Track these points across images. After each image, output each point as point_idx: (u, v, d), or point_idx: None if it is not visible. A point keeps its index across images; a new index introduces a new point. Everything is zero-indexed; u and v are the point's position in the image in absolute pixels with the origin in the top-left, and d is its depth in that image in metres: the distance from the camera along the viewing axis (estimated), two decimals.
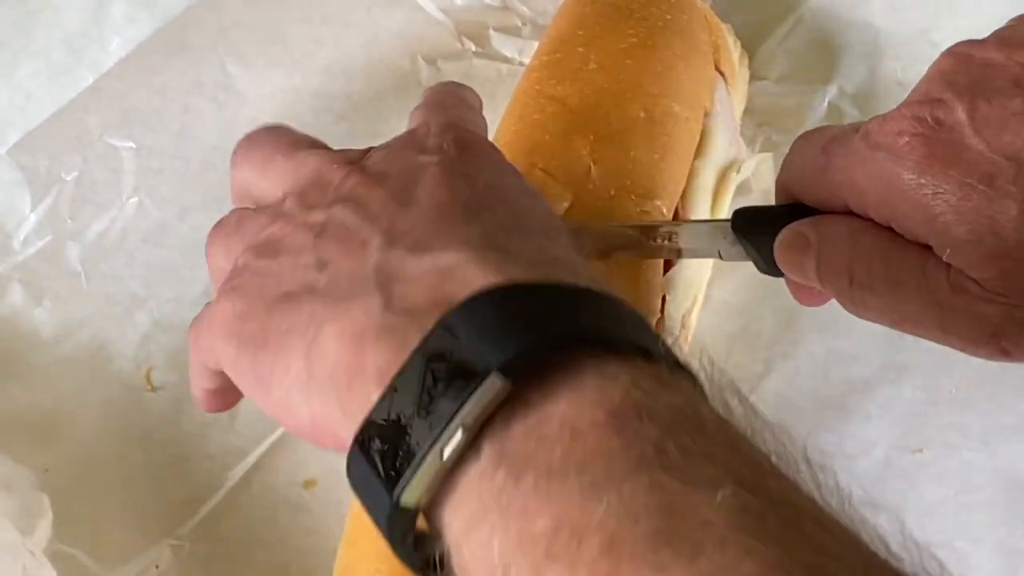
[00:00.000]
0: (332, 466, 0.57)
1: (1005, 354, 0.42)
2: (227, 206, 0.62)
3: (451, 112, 0.44)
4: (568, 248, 0.37)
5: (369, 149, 0.42)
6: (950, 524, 0.52)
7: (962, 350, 0.42)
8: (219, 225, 0.43)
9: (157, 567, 0.55)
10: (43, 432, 0.57)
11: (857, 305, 0.44)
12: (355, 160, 0.41)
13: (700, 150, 0.56)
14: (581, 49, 0.55)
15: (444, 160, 0.39)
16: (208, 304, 0.40)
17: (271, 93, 0.64)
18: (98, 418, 0.58)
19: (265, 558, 0.55)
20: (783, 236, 0.46)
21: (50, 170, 0.62)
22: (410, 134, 0.41)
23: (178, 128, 0.63)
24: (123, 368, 0.59)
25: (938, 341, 0.43)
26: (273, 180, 0.42)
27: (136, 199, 0.62)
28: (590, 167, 0.52)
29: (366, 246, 0.36)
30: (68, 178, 0.62)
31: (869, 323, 0.57)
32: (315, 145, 0.43)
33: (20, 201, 0.61)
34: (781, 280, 0.59)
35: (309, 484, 0.57)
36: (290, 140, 0.43)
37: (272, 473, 0.57)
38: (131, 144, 0.63)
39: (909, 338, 0.57)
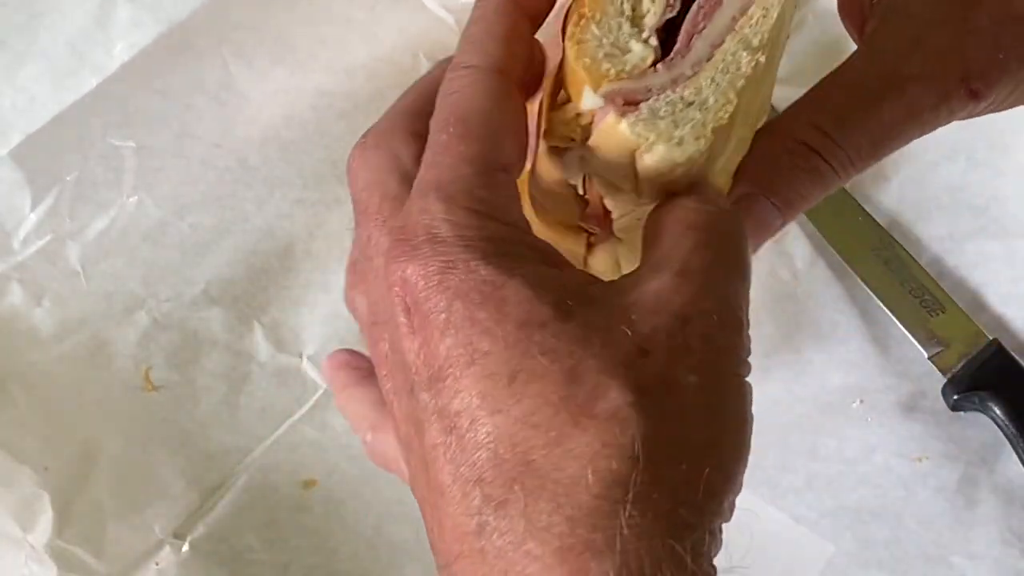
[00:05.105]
0: (332, 466, 0.58)
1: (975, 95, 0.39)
2: (227, 204, 0.62)
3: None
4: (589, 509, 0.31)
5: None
6: (947, 538, 0.52)
7: None
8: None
9: (157, 565, 0.55)
10: (43, 431, 0.57)
11: None
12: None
13: None
14: None
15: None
16: None
17: (273, 92, 0.64)
18: (98, 417, 0.58)
19: (265, 558, 0.55)
20: None
21: (50, 170, 0.61)
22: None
23: (179, 127, 0.63)
24: (123, 367, 0.59)
25: None
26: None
27: (136, 198, 0.61)
28: None
29: None
30: (68, 178, 0.61)
31: (868, 331, 0.58)
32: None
33: (20, 201, 0.61)
34: (782, 287, 0.59)
35: (309, 484, 0.57)
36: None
37: (272, 473, 0.57)
38: (132, 143, 0.62)
39: (909, 348, 0.57)
